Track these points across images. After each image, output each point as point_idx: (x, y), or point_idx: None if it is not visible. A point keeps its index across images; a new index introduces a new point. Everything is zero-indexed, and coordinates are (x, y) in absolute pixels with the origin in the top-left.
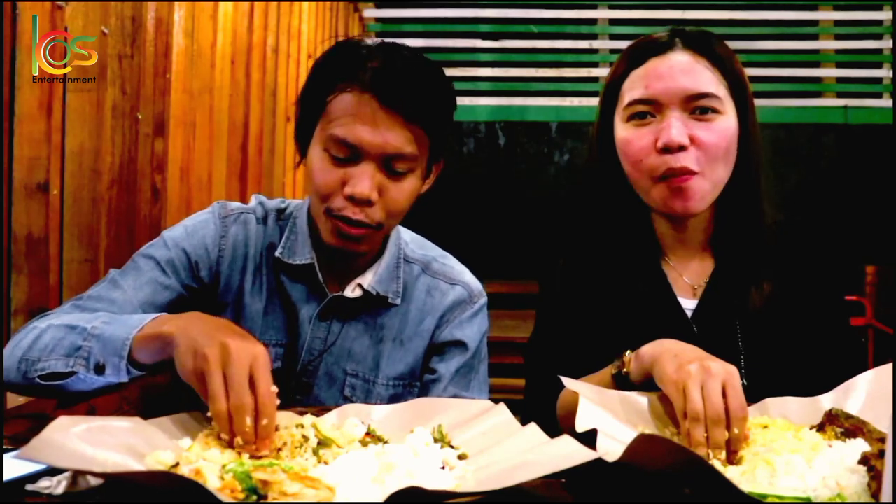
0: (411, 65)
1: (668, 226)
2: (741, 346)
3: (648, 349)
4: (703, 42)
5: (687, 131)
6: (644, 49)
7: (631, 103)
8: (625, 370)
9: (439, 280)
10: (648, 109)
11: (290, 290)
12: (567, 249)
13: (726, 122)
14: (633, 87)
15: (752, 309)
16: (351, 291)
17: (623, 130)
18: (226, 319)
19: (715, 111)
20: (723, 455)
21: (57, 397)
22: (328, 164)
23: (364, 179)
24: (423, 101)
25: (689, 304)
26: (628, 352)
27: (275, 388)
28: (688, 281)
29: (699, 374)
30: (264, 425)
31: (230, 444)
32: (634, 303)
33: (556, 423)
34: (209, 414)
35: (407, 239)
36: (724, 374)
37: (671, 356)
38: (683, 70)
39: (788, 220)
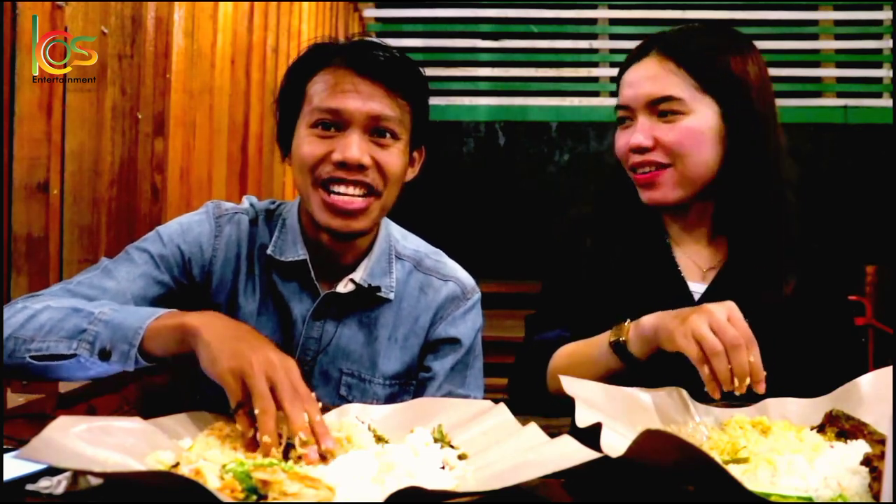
0: (383, 46)
1: (671, 217)
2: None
3: (649, 319)
4: (676, 44)
5: (652, 133)
6: (630, 56)
7: (616, 108)
8: (622, 339)
9: (432, 277)
10: (626, 114)
11: (283, 290)
12: (587, 230)
13: (690, 121)
14: (619, 93)
15: (765, 299)
16: (343, 287)
17: (617, 131)
18: (245, 323)
19: (677, 112)
20: (747, 381)
21: (42, 380)
22: (314, 138)
23: (352, 145)
24: (400, 73)
25: (697, 288)
26: (628, 321)
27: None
28: (698, 265)
29: (702, 317)
30: (318, 421)
31: (268, 448)
32: (642, 282)
33: (543, 387)
34: (238, 412)
35: (397, 234)
36: (725, 309)
37: (671, 318)
38: (648, 76)
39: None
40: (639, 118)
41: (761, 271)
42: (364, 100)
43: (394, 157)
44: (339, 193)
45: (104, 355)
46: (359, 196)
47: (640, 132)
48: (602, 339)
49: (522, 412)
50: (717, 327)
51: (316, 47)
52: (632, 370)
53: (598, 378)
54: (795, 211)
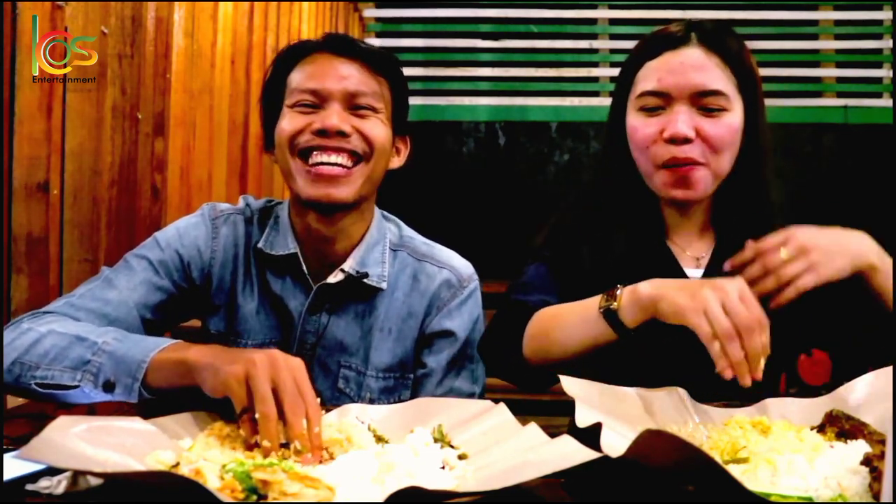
0: (360, 39)
1: (672, 209)
2: None
3: (647, 287)
4: (717, 38)
5: (693, 124)
6: (660, 41)
7: (642, 94)
8: (614, 306)
9: (426, 263)
10: (659, 102)
11: (277, 286)
12: (578, 224)
13: (732, 118)
14: (646, 79)
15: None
16: (333, 277)
17: (633, 118)
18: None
19: (722, 109)
20: (760, 365)
21: (46, 402)
22: (296, 115)
23: (332, 115)
24: (375, 52)
25: (694, 273)
26: (619, 287)
27: (318, 398)
28: (691, 254)
29: (716, 295)
30: (316, 433)
31: (268, 452)
32: (637, 271)
33: (517, 350)
34: (242, 418)
35: (392, 227)
36: (738, 289)
37: (676, 289)
38: (695, 66)
39: (789, 219)
40: (676, 107)
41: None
42: (342, 77)
43: (377, 126)
44: (320, 163)
45: (108, 387)
46: (342, 164)
47: (683, 121)
48: (589, 304)
49: (494, 373)
50: (731, 309)
51: (296, 43)
52: (621, 339)
53: (582, 347)
54: (780, 205)
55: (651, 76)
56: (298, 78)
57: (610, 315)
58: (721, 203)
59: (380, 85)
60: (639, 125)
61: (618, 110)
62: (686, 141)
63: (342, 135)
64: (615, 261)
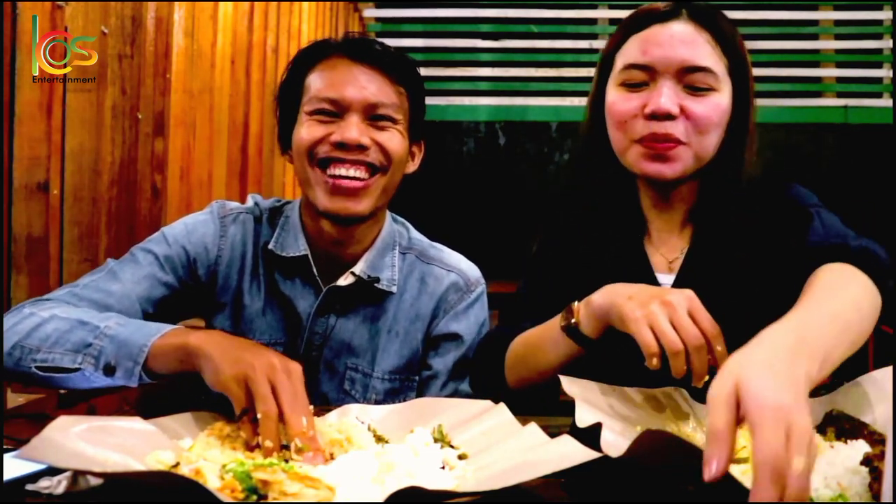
0: (379, 41)
1: (652, 197)
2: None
3: (598, 297)
4: (708, 16)
5: (677, 101)
6: (646, 16)
7: (626, 67)
8: (574, 321)
9: (434, 266)
10: (643, 77)
11: (286, 287)
12: (563, 218)
13: (720, 98)
14: (631, 51)
15: (730, 280)
16: (344, 280)
17: (613, 93)
18: (248, 339)
19: (709, 88)
20: (705, 379)
21: (47, 388)
22: (314, 123)
23: (351, 127)
24: (395, 60)
25: (666, 280)
26: (576, 302)
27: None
28: (664, 257)
29: (663, 309)
30: (311, 436)
31: (269, 452)
32: (612, 277)
33: (500, 378)
34: (242, 419)
35: (402, 230)
36: (687, 301)
37: (625, 299)
38: (684, 41)
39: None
40: (661, 82)
41: (726, 257)
42: (361, 87)
43: (395, 138)
44: (339, 176)
45: (108, 371)
46: (361, 176)
47: (667, 96)
48: (554, 325)
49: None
50: (679, 325)
51: (314, 43)
52: (588, 352)
53: (558, 363)
54: (759, 196)
55: (636, 49)
56: (317, 84)
57: (571, 331)
58: (703, 193)
59: (399, 96)
60: (618, 100)
61: (598, 94)
62: (668, 117)
63: (361, 148)
64: (592, 265)
